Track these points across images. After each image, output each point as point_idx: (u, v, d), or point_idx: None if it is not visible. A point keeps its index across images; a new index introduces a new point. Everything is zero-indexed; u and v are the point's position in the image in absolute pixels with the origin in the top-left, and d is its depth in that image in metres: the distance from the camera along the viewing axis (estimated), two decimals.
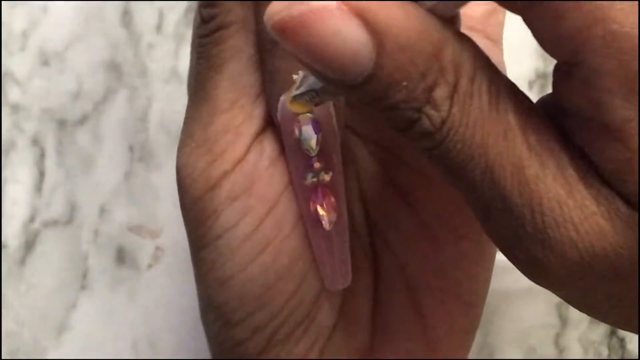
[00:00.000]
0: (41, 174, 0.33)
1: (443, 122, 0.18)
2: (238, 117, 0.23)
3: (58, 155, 0.33)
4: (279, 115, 0.23)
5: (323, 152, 0.22)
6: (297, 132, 0.22)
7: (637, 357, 0.33)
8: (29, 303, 0.33)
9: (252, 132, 0.23)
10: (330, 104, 0.22)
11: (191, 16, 0.35)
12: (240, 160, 0.23)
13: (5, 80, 0.33)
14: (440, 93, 0.18)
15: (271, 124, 0.23)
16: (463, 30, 0.22)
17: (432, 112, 0.18)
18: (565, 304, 0.33)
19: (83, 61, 0.33)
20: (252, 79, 0.23)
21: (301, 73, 0.21)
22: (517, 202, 0.18)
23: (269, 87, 0.23)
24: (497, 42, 0.25)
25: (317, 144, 0.22)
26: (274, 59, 0.22)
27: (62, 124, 0.33)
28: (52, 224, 0.33)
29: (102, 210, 0.33)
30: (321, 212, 0.23)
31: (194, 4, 0.35)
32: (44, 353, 0.33)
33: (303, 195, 0.23)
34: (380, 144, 0.25)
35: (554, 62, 0.33)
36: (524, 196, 0.18)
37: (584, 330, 0.33)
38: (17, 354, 0.33)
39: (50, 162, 0.33)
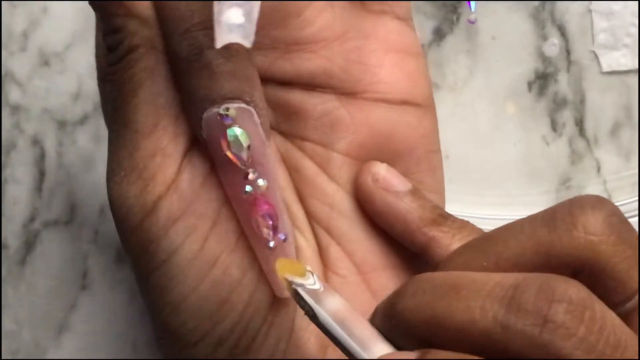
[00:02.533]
0: (41, 174, 0.33)
1: None
2: (163, 139, 0.23)
3: (58, 155, 0.33)
4: (204, 133, 0.22)
5: (255, 162, 0.22)
6: (225, 146, 0.22)
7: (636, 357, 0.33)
8: (29, 303, 0.33)
9: (180, 151, 0.23)
10: (254, 113, 0.22)
11: None
12: (173, 182, 0.23)
13: (6, 81, 0.33)
14: None
15: (198, 140, 0.23)
16: (374, 15, 0.25)
17: None
18: None
19: (83, 61, 0.33)
20: (170, 99, 0.23)
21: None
22: None
23: (187, 106, 0.23)
24: (407, 19, 0.26)
25: (247, 156, 0.22)
26: (190, 77, 0.22)
27: (62, 124, 0.33)
28: (52, 224, 0.33)
29: (102, 211, 0.33)
30: (262, 223, 0.23)
31: None
32: (44, 353, 0.33)
33: (241, 209, 0.23)
34: (305, 138, 0.25)
35: (553, 62, 0.33)
36: None
37: None
38: (17, 354, 0.33)
39: (50, 163, 0.33)
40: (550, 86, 0.33)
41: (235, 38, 0.20)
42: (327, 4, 0.25)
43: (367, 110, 0.25)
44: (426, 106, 0.26)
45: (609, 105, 0.33)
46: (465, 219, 0.32)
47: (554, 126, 0.33)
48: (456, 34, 0.33)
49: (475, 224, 0.32)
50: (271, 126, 0.26)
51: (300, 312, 0.24)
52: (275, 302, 0.24)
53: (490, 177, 0.33)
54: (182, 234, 0.23)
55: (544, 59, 0.33)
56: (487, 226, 0.32)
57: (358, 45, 0.25)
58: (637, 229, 0.32)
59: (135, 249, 0.23)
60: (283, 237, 0.23)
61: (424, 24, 0.33)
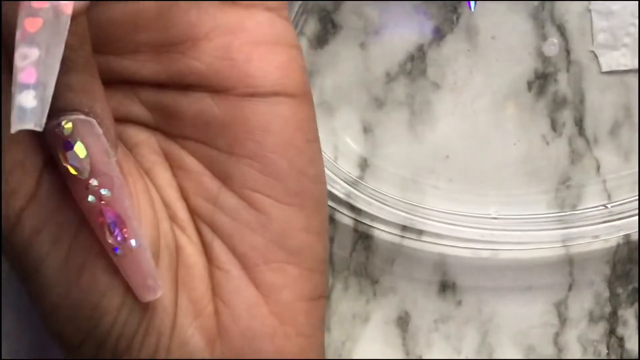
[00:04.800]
0: None
1: None
2: (20, 153, 0.23)
3: None
4: (49, 146, 0.23)
5: (97, 172, 0.22)
6: (62, 159, 0.22)
7: (636, 357, 0.33)
8: (30, 303, 0.33)
9: (38, 164, 0.23)
10: (94, 124, 0.22)
11: None
12: (33, 195, 0.23)
13: None
14: None
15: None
16: (243, 9, 0.25)
17: None
18: (564, 303, 0.33)
19: None
20: None
21: None
22: None
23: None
24: (279, 8, 0.25)
25: (87, 166, 0.22)
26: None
27: None
28: None
29: None
30: (108, 231, 0.23)
31: None
32: (45, 353, 0.33)
33: (89, 218, 0.23)
34: (186, 137, 0.26)
35: (553, 62, 0.33)
36: None
37: (583, 330, 0.33)
38: (18, 354, 0.33)
39: None
40: (550, 86, 0.33)
41: (27, 125, 0.20)
42: (192, 4, 0.24)
43: (239, 106, 0.25)
44: (301, 96, 0.25)
45: (609, 104, 0.33)
46: (466, 218, 0.33)
47: (553, 126, 0.33)
48: (456, 34, 0.33)
49: (474, 224, 0.33)
50: (152, 126, 0.26)
51: (182, 309, 0.25)
52: (152, 301, 0.24)
53: (490, 177, 0.33)
54: (46, 245, 0.23)
55: (544, 58, 0.33)
56: (488, 226, 0.33)
57: (225, 42, 0.25)
58: (637, 230, 0.32)
59: (9, 259, 0.24)
60: (134, 244, 0.23)
61: (424, 24, 0.33)
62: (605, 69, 0.33)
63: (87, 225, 0.23)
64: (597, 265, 0.33)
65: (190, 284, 0.25)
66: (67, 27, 0.21)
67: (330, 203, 0.32)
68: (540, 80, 0.33)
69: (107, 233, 0.23)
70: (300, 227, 0.25)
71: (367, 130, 0.33)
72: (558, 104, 0.33)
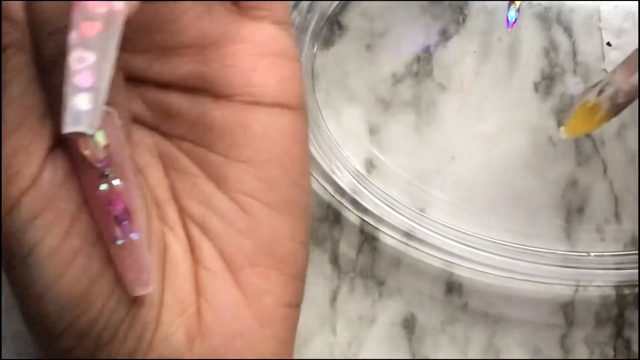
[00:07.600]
0: None
1: None
2: (27, 137, 0.23)
3: None
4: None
5: (112, 162, 0.23)
6: (82, 146, 0.22)
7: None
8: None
9: (43, 149, 0.23)
10: (115, 115, 0.23)
11: None
12: (35, 179, 0.23)
13: None
14: None
15: (61, 139, 0.23)
16: (251, 20, 0.25)
17: None
18: (571, 305, 0.33)
19: None
20: (37, 98, 0.23)
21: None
22: None
23: (52, 104, 0.23)
24: (285, 23, 0.26)
25: (104, 155, 0.23)
26: (55, 76, 0.22)
27: None
28: None
29: None
30: (115, 221, 0.23)
31: None
32: None
33: (95, 206, 0.23)
34: (184, 139, 0.26)
35: (560, 63, 0.33)
36: None
37: (590, 331, 0.33)
38: (22, 354, 0.33)
39: None
40: (557, 87, 0.33)
41: (80, 128, 0.21)
42: (204, 11, 0.25)
43: (241, 112, 0.25)
44: (299, 109, 0.26)
45: None
46: (472, 238, 0.33)
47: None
48: (462, 35, 0.33)
49: (482, 228, 0.33)
50: (151, 125, 0.26)
51: (167, 305, 0.25)
52: (140, 295, 0.24)
53: (497, 178, 0.33)
54: (42, 230, 0.23)
55: (550, 60, 0.33)
56: (492, 250, 0.33)
57: (234, 50, 0.25)
58: (637, 230, 0.32)
59: (3, 243, 0.24)
60: (136, 237, 0.23)
61: (431, 25, 0.33)
62: None
63: (86, 213, 0.23)
64: (604, 267, 0.33)
65: (175, 282, 0.25)
66: (120, 31, 0.21)
67: (338, 198, 0.33)
68: (547, 81, 0.33)
69: (114, 223, 0.23)
70: (287, 234, 0.26)
71: (373, 131, 0.34)
72: (565, 105, 0.33)
